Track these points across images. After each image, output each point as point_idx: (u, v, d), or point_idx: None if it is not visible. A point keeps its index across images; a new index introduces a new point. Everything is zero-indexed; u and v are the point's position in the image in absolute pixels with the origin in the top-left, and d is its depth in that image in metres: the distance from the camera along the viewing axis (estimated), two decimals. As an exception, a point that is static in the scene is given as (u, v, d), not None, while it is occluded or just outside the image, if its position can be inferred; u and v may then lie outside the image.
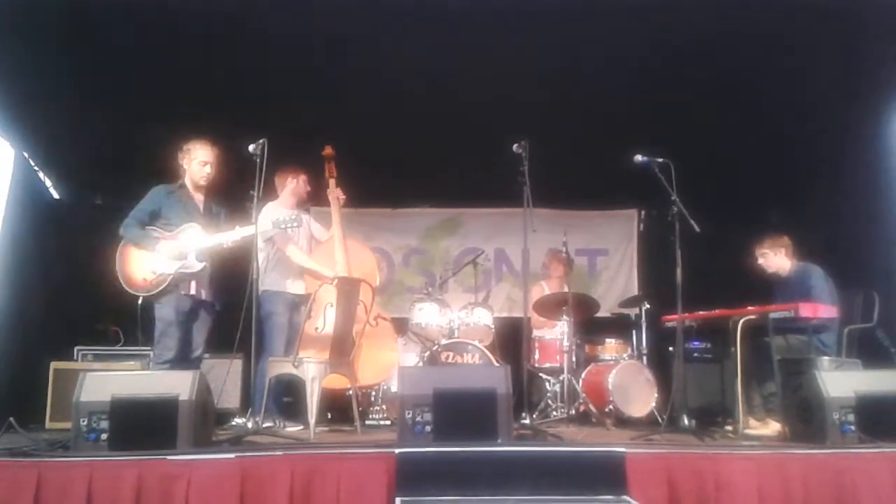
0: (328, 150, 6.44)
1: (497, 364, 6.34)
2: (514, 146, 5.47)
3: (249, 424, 5.37)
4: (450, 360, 6.49)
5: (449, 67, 6.15)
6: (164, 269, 5.49)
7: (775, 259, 6.18)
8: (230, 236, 5.55)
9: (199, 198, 5.81)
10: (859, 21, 5.52)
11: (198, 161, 5.72)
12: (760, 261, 6.26)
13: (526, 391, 5.71)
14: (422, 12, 5.54)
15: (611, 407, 6.52)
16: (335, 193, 6.44)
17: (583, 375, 6.90)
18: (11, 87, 6.06)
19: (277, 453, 3.96)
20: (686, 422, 5.25)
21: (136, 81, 6.33)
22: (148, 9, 5.49)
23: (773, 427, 5.51)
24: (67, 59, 6.02)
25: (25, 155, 7.00)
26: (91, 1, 5.42)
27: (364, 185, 7.23)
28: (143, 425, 4.10)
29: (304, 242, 6.37)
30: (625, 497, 3.78)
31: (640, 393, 6.67)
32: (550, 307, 7.08)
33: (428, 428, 4.23)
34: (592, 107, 6.68)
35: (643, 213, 9.15)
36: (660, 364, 7.00)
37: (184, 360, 5.55)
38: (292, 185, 6.32)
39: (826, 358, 5.63)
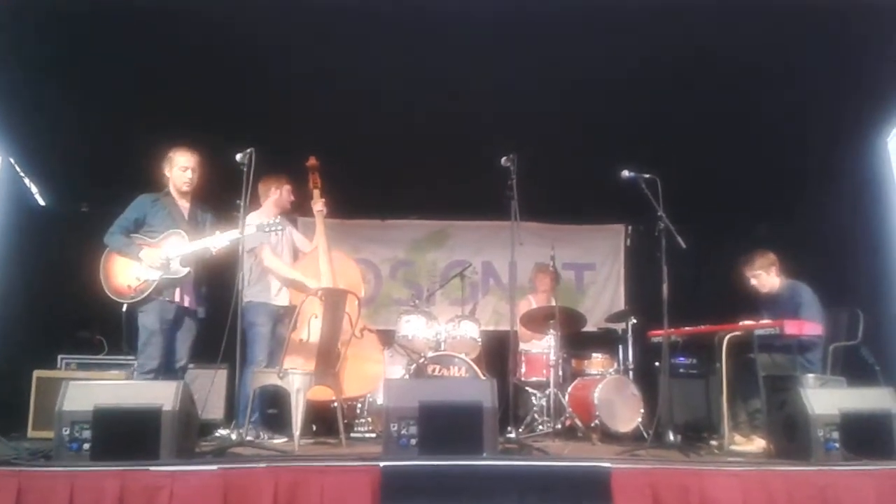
0: (312, 161, 6.42)
1: (483, 377, 6.33)
2: (503, 159, 5.48)
3: (233, 436, 5.34)
4: (436, 372, 6.47)
5: (438, 80, 6.16)
6: (148, 276, 5.48)
7: (768, 279, 6.17)
8: (213, 241, 5.54)
9: (184, 205, 5.81)
10: (854, 37, 5.57)
11: (179, 167, 5.72)
12: (754, 282, 6.22)
13: (512, 405, 5.69)
14: (412, 25, 5.57)
15: (597, 422, 6.52)
16: (319, 205, 6.42)
17: (569, 390, 6.88)
18: (-2, 93, 6.05)
19: (261, 465, 3.94)
20: (671, 437, 5.25)
21: (123, 90, 6.32)
22: (136, 19, 5.49)
23: (757, 443, 5.51)
24: (54, 68, 6.00)
25: (11, 161, 6.96)
26: (78, 12, 5.40)
27: (352, 196, 7.24)
28: (125, 435, 4.06)
29: (286, 252, 6.34)
30: (609, 512, 3.78)
31: (626, 408, 6.66)
32: (537, 321, 7.08)
33: (413, 441, 4.22)
34: (581, 121, 6.71)
35: (630, 228, 9.16)
36: (646, 379, 7.00)
37: (168, 370, 5.52)
38: (275, 197, 6.30)
39: (811, 375, 5.64)
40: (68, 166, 7.45)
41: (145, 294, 5.48)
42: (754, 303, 6.25)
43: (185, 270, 5.55)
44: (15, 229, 6.83)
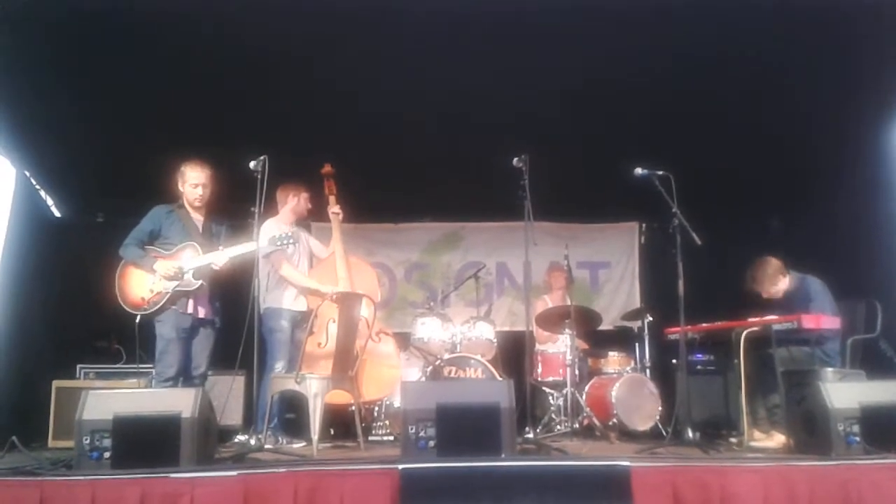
0: (327, 168, 6.48)
1: (500, 378, 6.33)
2: (515, 160, 5.48)
3: (252, 441, 5.37)
4: (452, 374, 6.48)
5: (449, 82, 6.16)
6: (161, 288, 5.52)
7: (780, 287, 6.09)
8: (226, 255, 5.57)
9: (197, 217, 5.84)
10: (860, 29, 5.54)
11: (190, 183, 5.76)
12: (765, 296, 6.16)
13: (529, 405, 5.70)
14: (422, 28, 5.57)
15: (615, 420, 6.51)
16: (335, 210, 6.45)
17: (586, 389, 6.88)
18: (12, 107, 6.08)
19: (280, 470, 3.95)
20: (690, 434, 5.22)
21: (137, 101, 6.35)
22: (148, 30, 5.52)
23: (777, 439, 5.49)
24: (68, 80, 6.04)
25: (27, 174, 7.02)
26: (90, 23, 5.44)
27: (365, 200, 7.25)
28: (145, 443, 4.08)
29: (303, 259, 6.37)
30: (630, 511, 3.77)
31: (644, 406, 6.65)
32: (553, 320, 7.07)
33: (431, 443, 4.23)
34: (593, 120, 6.69)
35: (644, 225, 9.13)
36: (663, 377, 6.98)
37: (186, 378, 5.56)
38: (293, 204, 6.34)
39: (829, 369, 5.60)
40: (83, 178, 7.51)
41: (159, 305, 5.52)
42: (768, 299, 6.20)
43: (198, 283, 5.58)
44: (31, 241, 6.88)
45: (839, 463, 4.16)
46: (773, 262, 6.12)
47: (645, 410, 6.64)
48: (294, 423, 6.09)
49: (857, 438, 4.39)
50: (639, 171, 5.55)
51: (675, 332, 5.77)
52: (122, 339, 6.90)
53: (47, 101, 6.17)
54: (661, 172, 5.49)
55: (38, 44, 5.61)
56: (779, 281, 6.08)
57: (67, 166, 7.23)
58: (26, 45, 5.57)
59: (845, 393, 4.58)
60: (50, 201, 7.69)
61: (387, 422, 6.52)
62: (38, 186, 7.36)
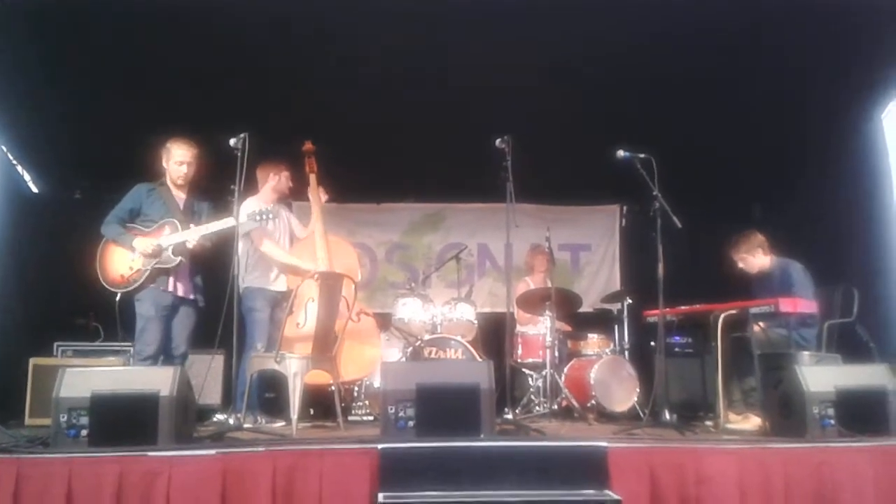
0: (308, 146, 6.43)
1: (480, 359, 6.35)
2: (498, 141, 5.46)
3: (231, 420, 5.36)
4: (433, 355, 6.49)
5: (432, 62, 6.14)
6: (141, 265, 5.48)
7: (755, 261, 6.16)
8: (205, 230, 5.54)
9: (179, 195, 5.79)
10: (847, 16, 5.55)
11: (175, 161, 5.72)
12: (741, 265, 6.22)
13: (509, 386, 5.70)
14: (405, 7, 5.53)
15: (593, 402, 6.55)
16: (315, 189, 6.41)
17: (565, 370, 6.91)
18: (-10, 81, 6.01)
19: (259, 449, 3.95)
20: (667, 416, 5.28)
21: (116, 77, 6.29)
22: (128, 5, 5.45)
23: (753, 421, 5.53)
24: (48, 55, 5.97)
25: (4, 149, 6.93)
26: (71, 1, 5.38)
27: (347, 180, 7.22)
28: (123, 421, 4.07)
29: (284, 237, 6.34)
30: (607, 491, 3.80)
31: (622, 388, 6.70)
32: (533, 302, 7.08)
33: (411, 423, 4.25)
34: (576, 102, 6.70)
35: (625, 208, 9.16)
36: (641, 359, 7.01)
37: (166, 357, 5.53)
38: (273, 182, 6.28)
39: (806, 353, 5.65)
40: (61, 154, 7.41)
41: (138, 283, 5.48)
42: (748, 283, 6.25)
43: (177, 260, 5.55)
44: (8, 217, 6.80)
45: (814, 445, 4.23)
46: (757, 236, 6.19)
47: (623, 392, 6.68)
48: (273, 403, 6.07)
49: (832, 421, 4.46)
50: (621, 153, 5.54)
51: (653, 315, 5.80)
52: (100, 317, 6.85)
53: (25, 76, 6.08)
54: (642, 155, 5.50)
55: (17, 19, 5.52)
56: (757, 254, 6.13)
57: (46, 142, 7.14)
58: (5, 21, 5.48)
59: (821, 376, 4.64)
60: (27, 177, 7.60)
61: (366, 402, 6.52)
62: (15, 161, 7.27)
